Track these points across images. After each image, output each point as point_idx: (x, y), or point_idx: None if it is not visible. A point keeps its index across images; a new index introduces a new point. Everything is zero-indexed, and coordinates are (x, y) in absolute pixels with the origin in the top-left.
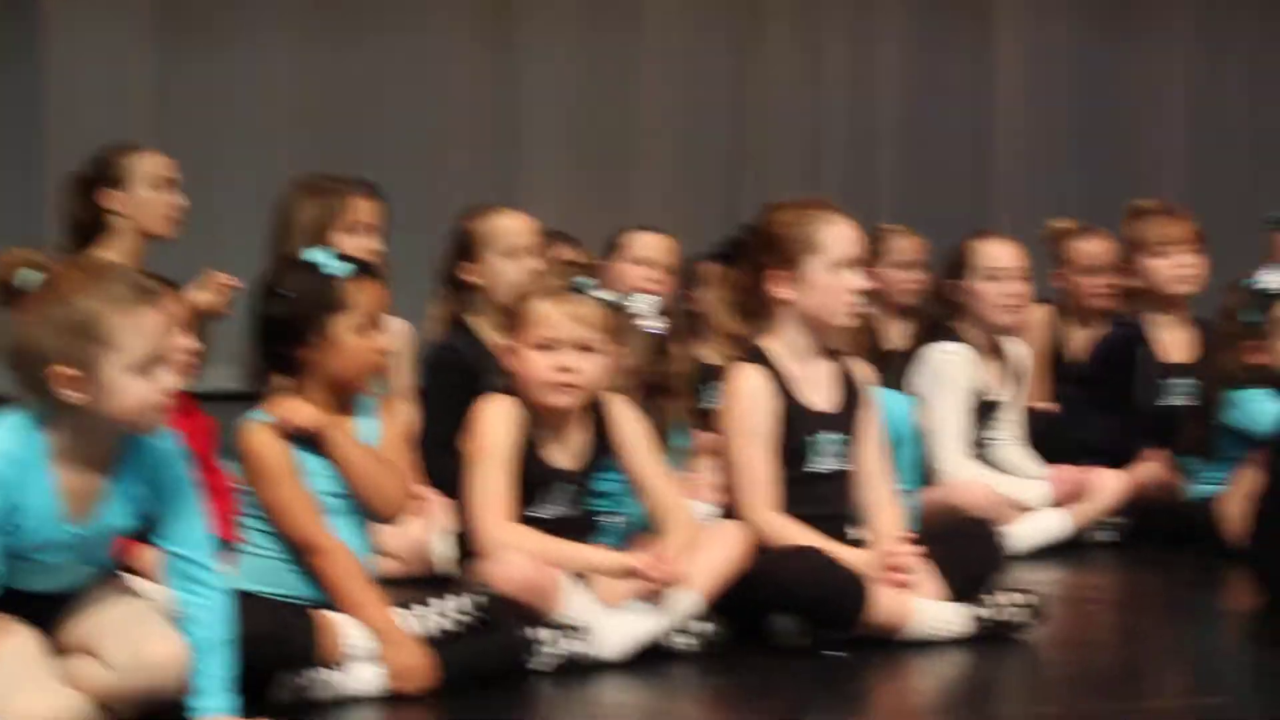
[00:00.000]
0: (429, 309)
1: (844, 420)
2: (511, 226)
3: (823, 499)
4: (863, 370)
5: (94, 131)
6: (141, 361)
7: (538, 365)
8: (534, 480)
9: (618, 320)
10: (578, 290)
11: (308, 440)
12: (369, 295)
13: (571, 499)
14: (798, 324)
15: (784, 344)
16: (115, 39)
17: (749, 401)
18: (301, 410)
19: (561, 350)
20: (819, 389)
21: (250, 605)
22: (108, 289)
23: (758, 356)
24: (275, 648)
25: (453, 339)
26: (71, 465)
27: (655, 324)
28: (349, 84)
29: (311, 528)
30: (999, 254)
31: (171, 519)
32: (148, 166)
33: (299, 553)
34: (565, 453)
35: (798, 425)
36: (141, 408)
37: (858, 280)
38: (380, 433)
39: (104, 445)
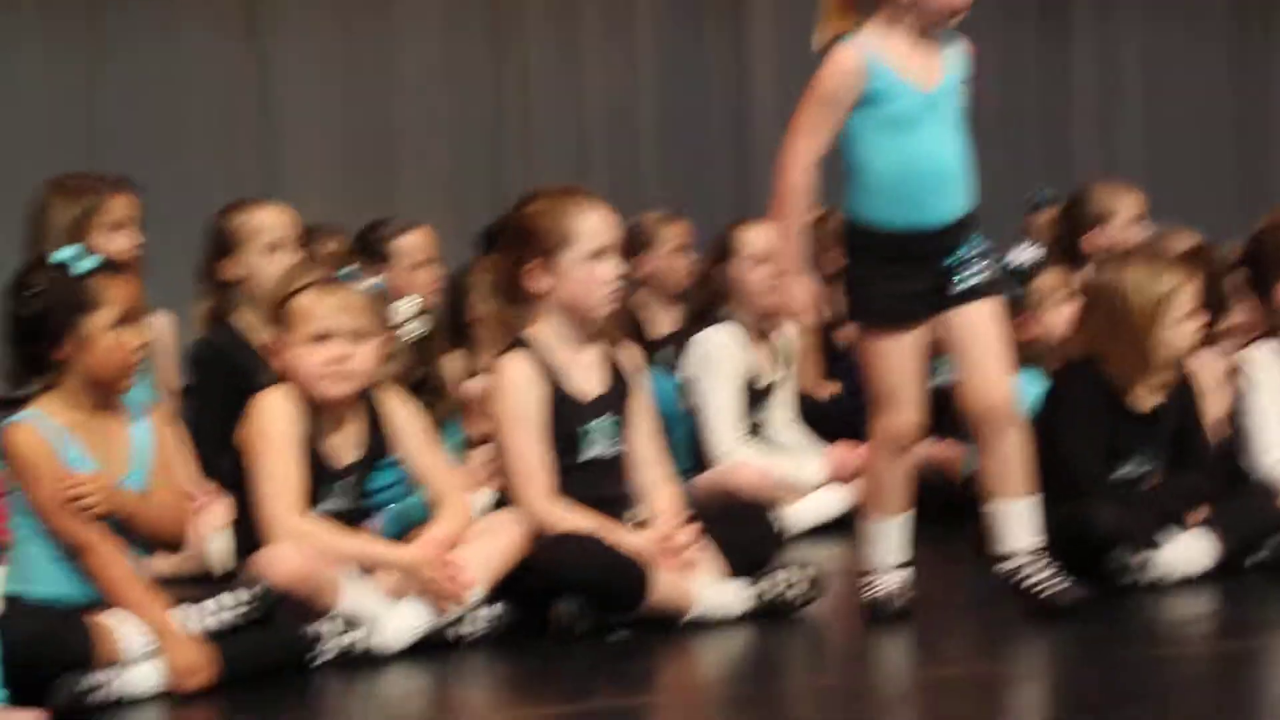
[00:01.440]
0: (192, 307)
1: (613, 404)
2: (269, 221)
3: (598, 484)
4: (630, 355)
5: None
6: None
7: (310, 359)
8: (314, 476)
9: (383, 306)
10: (339, 280)
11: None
12: (120, 291)
13: (350, 493)
14: (558, 313)
15: (550, 332)
16: None
17: (517, 391)
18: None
19: (333, 340)
20: (587, 376)
21: (23, 610)
22: None
23: (524, 345)
24: (50, 652)
25: (215, 335)
26: None
27: (416, 326)
28: (104, 91)
29: (81, 526)
30: (761, 239)
31: None
32: None
33: (71, 552)
34: (343, 446)
35: (568, 414)
36: None
37: (613, 269)
38: (152, 437)
39: None
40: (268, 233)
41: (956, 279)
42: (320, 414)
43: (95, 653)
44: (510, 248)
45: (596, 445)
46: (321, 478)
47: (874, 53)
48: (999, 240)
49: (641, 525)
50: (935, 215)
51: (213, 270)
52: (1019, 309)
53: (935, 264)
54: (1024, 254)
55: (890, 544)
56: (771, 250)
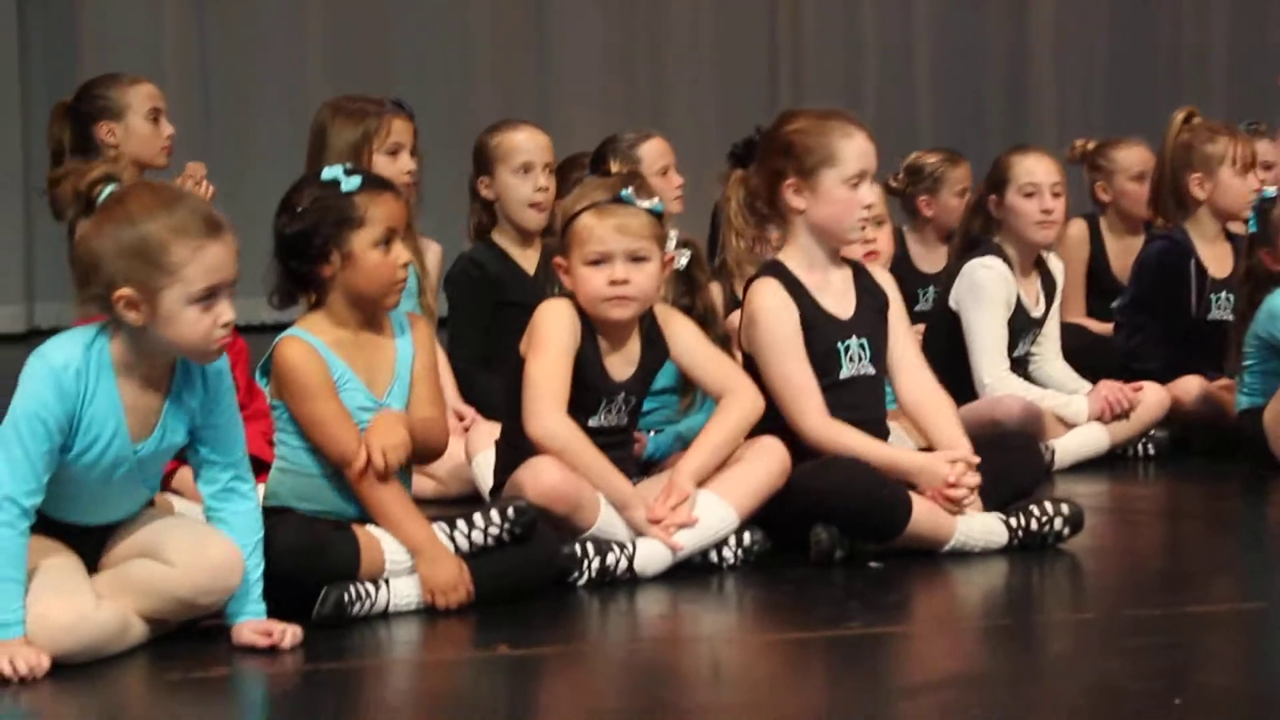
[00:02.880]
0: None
1: (866, 325)
2: (524, 143)
3: (856, 404)
4: (882, 275)
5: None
6: (202, 294)
7: (591, 281)
8: (592, 390)
9: (663, 226)
10: (620, 201)
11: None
12: (386, 209)
13: (623, 409)
14: (810, 234)
15: (799, 254)
16: None
17: (773, 314)
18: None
19: (613, 263)
20: (838, 297)
21: (292, 521)
22: (176, 218)
23: (774, 270)
24: (317, 562)
25: (475, 253)
26: (133, 383)
27: (680, 256)
28: (380, 13)
29: (349, 443)
30: (1035, 168)
31: (213, 430)
32: (139, 97)
33: (337, 468)
34: (622, 363)
35: (821, 333)
36: (200, 340)
37: (871, 195)
38: (413, 354)
39: (162, 365)
40: (521, 153)
41: None
42: (600, 331)
43: (360, 565)
44: (769, 162)
45: (853, 365)
46: (597, 392)
47: None
48: None
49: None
50: None
51: (475, 187)
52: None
53: None
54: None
55: None
56: (1045, 182)
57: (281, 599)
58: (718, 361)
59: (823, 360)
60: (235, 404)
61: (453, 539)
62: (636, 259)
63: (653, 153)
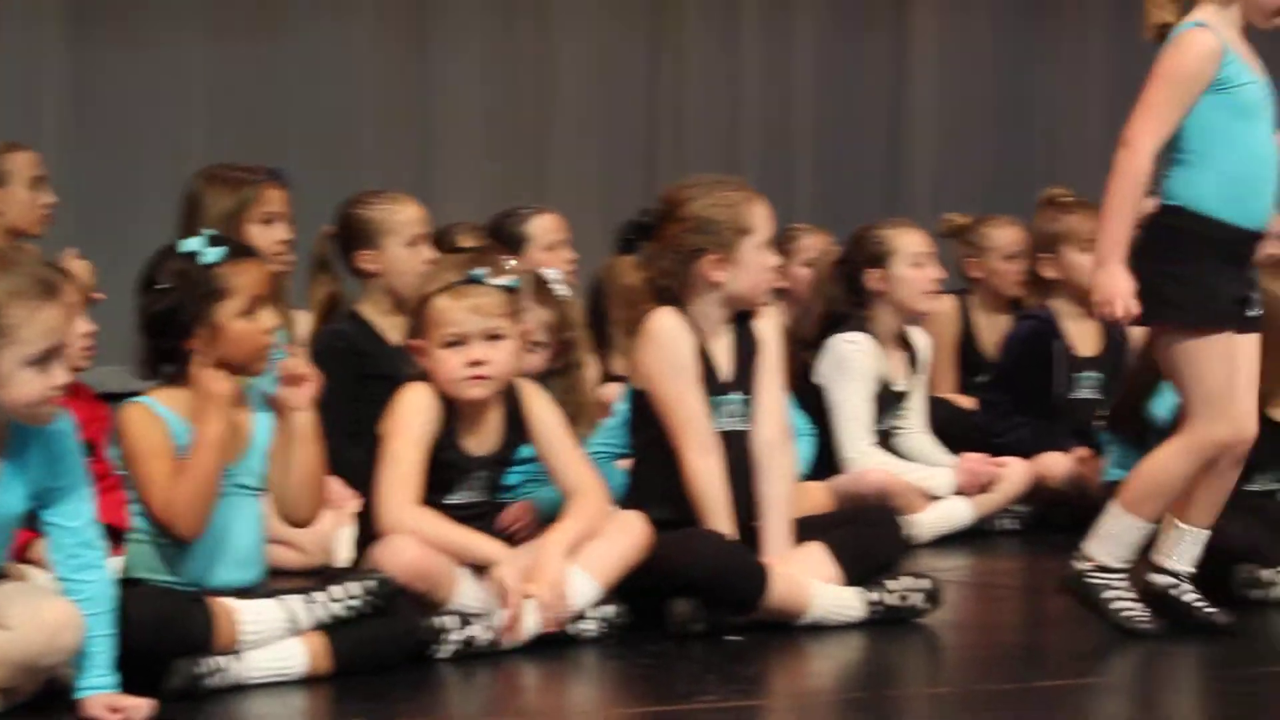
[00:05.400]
0: (311, 293)
1: (744, 384)
2: (413, 216)
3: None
4: (765, 325)
5: (7, 129)
6: (38, 355)
7: (448, 363)
8: (451, 468)
9: (519, 302)
10: (474, 281)
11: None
12: (250, 278)
13: (486, 485)
14: (719, 302)
15: (693, 317)
16: (27, 36)
17: (672, 341)
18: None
19: (470, 344)
20: (724, 353)
21: (143, 593)
22: (12, 280)
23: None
24: (169, 635)
25: (340, 326)
26: None
27: (562, 289)
28: (263, 78)
29: (165, 500)
30: (919, 240)
31: (61, 496)
32: (19, 165)
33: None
34: (481, 440)
35: (706, 380)
36: (35, 401)
37: (774, 259)
38: (271, 425)
39: None
40: (414, 226)
41: (1251, 301)
42: (459, 410)
43: (214, 637)
44: (681, 241)
45: (730, 420)
46: (455, 470)
47: (1223, 37)
48: None
49: None
50: (1263, 216)
51: (346, 259)
52: None
53: (1246, 273)
54: None
55: (1194, 554)
56: (930, 253)
57: (136, 673)
58: (571, 457)
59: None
60: (81, 468)
61: (311, 610)
62: (493, 337)
63: (543, 228)
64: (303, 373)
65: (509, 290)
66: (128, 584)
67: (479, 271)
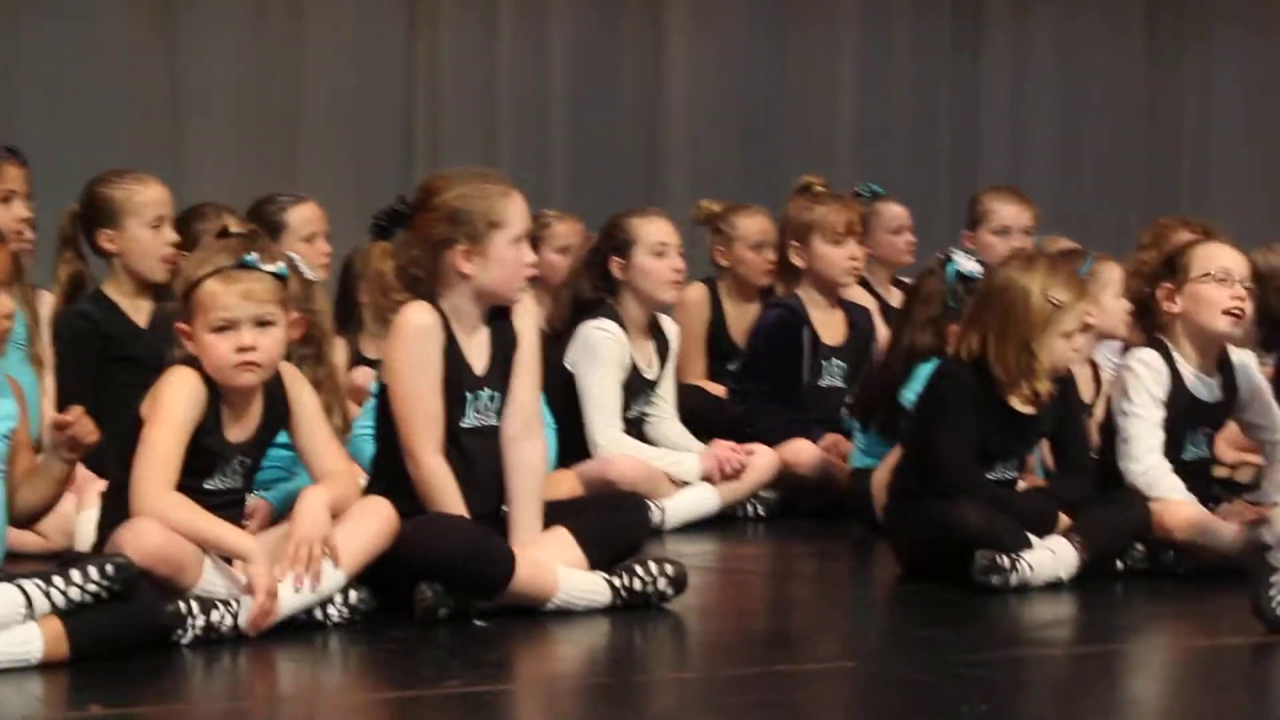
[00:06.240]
0: (55, 272)
1: (497, 380)
2: (155, 197)
3: (474, 452)
4: (523, 322)
5: None
6: None
7: (217, 348)
8: (210, 455)
9: (286, 289)
10: (245, 266)
11: None
12: None
13: (240, 470)
14: (470, 296)
15: (448, 309)
16: None
17: (419, 336)
18: None
19: (239, 330)
20: (478, 350)
21: None
22: None
23: (428, 299)
24: None
25: (83, 306)
26: None
27: (309, 272)
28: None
29: None
30: (662, 230)
31: None
32: None
33: None
34: (242, 426)
35: (456, 376)
36: None
37: (530, 254)
38: (15, 413)
39: None
40: (155, 207)
41: None
42: (224, 396)
43: None
44: (431, 230)
45: (478, 416)
46: (214, 457)
47: None
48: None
49: None
50: None
51: (89, 238)
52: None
53: None
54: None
55: None
56: (673, 243)
57: None
58: (326, 441)
59: (450, 405)
60: None
61: (48, 595)
62: (262, 324)
63: (302, 218)
64: (81, 430)
65: (279, 277)
66: None
67: (250, 257)
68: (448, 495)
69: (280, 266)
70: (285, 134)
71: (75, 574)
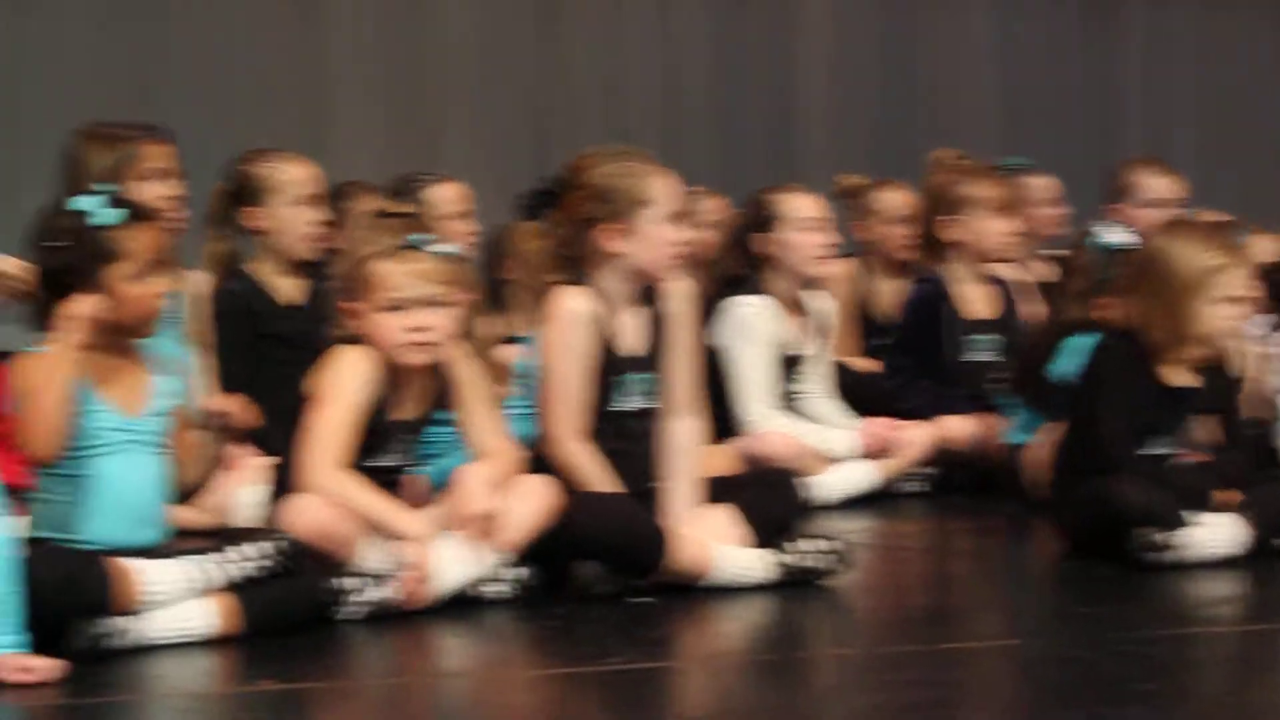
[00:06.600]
0: (204, 251)
1: (652, 363)
2: (301, 175)
3: (632, 437)
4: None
5: None
6: None
7: (389, 327)
8: (379, 433)
9: (458, 269)
10: (415, 246)
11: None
12: (145, 241)
13: (407, 448)
14: (620, 275)
15: (600, 290)
16: None
17: (572, 320)
18: None
19: (411, 309)
20: (632, 332)
21: (43, 553)
22: None
23: (581, 283)
24: (70, 594)
25: (233, 285)
26: None
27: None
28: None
29: (42, 446)
30: (808, 205)
31: None
32: None
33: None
34: (409, 404)
35: (610, 361)
36: None
37: (682, 233)
38: (175, 391)
39: None
40: (302, 185)
41: None
42: (393, 375)
43: (114, 596)
44: (578, 209)
45: (634, 399)
46: (383, 435)
47: None
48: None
49: None
50: None
51: (237, 216)
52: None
53: None
54: (1115, 233)
55: None
56: (820, 218)
57: (40, 631)
58: (489, 419)
59: (605, 390)
60: None
61: (222, 570)
62: (434, 304)
63: (448, 197)
64: (241, 420)
65: (450, 257)
66: (29, 544)
67: (420, 237)
68: (594, 478)
69: (450, 247)
70: (426, 114)
71: (249, 548)
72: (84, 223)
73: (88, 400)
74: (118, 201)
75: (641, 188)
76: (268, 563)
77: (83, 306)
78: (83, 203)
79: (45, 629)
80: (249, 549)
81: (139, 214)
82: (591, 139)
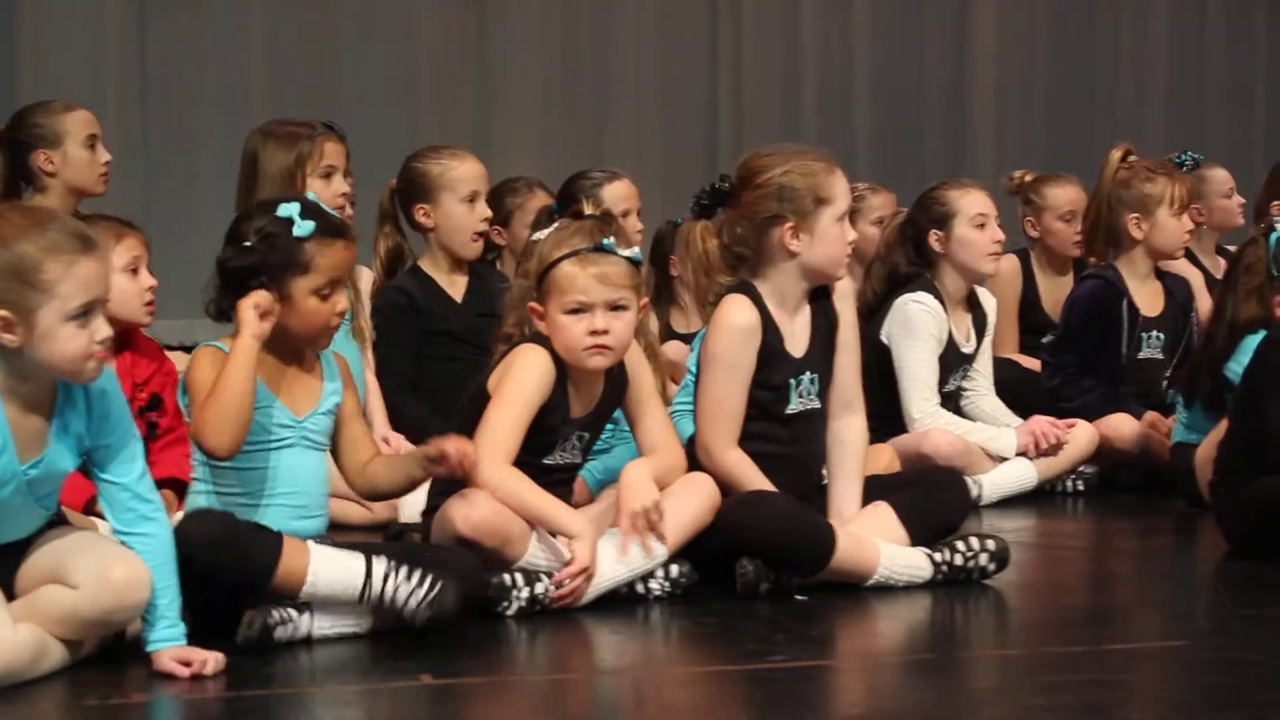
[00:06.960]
0: (375, 247)
1: (818, 360)
2: (468, 172)
3: (795, 439)
4: (842, 302)
5: (72, 89)
6: (78, 310)
7: (571, 330)
8: (553, 431)
9: (640, 275)
10: (602, 250)
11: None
12: (334, 259)
13: (580, 446)
14: (797, 274)
15: (771, 291)
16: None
17: (734, 332)
18: None
19: (594, 313)
20: (798, 333)
21: (210, 516)
22: (49, 237)
23: (748, 291)
24: (233, 555)
25: (402, 282)
26: (15, 405)
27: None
28: (326, 33)
29: (199, 419)
30: (982, 201)
31: (110, 455)
32: (76, 124)
33: (254, 489)
34: (584, 402)
35: (778, 367)
36: (78, 357)
37: (852, 232)
38: (342, 393)
39: (42, 388)
40: (469, 183)
41: None
42: (571, 376)
43: (278, 566)
44: (757, 207)
45: (800, 400)
46: (556, 434)
47: None
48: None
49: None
50: None
51: (406, 213)
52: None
53: None
54: None
55: None
56: (992, 214)
57: (201, 601)
58: (657, 417)
59: (774, 392)
60: (127, 424)
61: (384, 583)
62: (616, 308)
63: (617, 195)
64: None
65: (633, 262)
66: (192, 514)
67: (608, 241)
68: (754, 482)
69: (635, 252)
70: (592, 111)
71: (413, 579)
72: (282, 229)
73: (261, 396)
74: (318, 215)
75: (822, 186)
76: (423, 601)
77: (264, 304)
78: (284, 208)
79: (210, 596)
80: (416, 581)
81: (336, 230)
82: (760, 134)
